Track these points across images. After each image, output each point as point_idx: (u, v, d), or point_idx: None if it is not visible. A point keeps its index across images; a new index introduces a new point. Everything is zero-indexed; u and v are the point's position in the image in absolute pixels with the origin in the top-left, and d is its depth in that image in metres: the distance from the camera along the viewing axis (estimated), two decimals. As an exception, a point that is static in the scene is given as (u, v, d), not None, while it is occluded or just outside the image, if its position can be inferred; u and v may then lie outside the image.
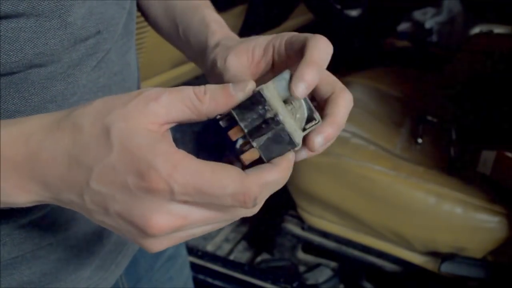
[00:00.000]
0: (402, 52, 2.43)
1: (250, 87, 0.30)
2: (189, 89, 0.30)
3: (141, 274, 0.64)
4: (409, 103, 1.66)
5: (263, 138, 0.30)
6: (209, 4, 0.52)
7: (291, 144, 0.30)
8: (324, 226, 1.36)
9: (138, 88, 0.57)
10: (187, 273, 0.75)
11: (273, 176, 0.29)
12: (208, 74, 0.44)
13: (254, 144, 0.30)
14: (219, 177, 0.27)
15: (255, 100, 0.30)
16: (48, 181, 0.30)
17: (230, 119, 0.31)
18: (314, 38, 0.34)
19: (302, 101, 0.33)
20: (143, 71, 1.40)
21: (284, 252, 1.49)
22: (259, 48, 0.39)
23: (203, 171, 0.27)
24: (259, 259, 1.55)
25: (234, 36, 0.45)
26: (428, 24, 2.46)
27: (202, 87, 0.30)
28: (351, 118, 0.37)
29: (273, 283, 1.35)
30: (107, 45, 0.44)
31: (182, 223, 0.28)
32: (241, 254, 1.63)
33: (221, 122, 0.31)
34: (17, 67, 0.36)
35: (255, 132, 0.30)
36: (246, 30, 1.92)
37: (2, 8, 0.33)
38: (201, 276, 1.34)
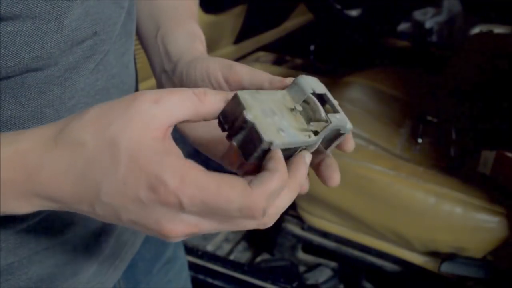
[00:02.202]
0: (402, 52, 2.43)
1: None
2: (188, 90, 0.30)
3: (139, 278, 0.64)
4: (409, 103, 1.66)
5: (240, 137, 0.31)
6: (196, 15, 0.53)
7: (260, 141, 0.29)
8: (324, 226, 1.36)
9: (137, 90, 0.56)
10: (186, 275, 0.74)
11: (275, 183, 0.28)
12: (166, 81, 0.46)
13: (234, 143, 0.31)
14: (225, 192, 0.27)
15: (235, 102, 0.30)
16: (54, 196, 0.29)
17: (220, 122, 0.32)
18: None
19: (317, 104, 0.34)
20: (142, 71, 1.40)
21: (284, 252, 1.49)
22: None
23: (209, 186, 0.27)
24: (259, 259, 1.55)
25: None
26: (428, 24, 2.46)
27: (201, 89, 0.30)
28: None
29: (273, 283, 1.35)
30: (104, 47, 0.43)
31: (194, 230, 0.29)
32: (241, 254, 1.63)
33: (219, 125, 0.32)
34: (13, 71, 0.36)
35: (235, 132, 0.31)
36: (246, 30, 1.92)
37: None
38: (201, 276, 1.34)
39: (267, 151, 0.30)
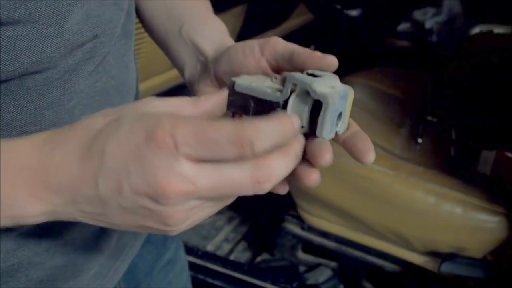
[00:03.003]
0: (402, 52, 2.43)
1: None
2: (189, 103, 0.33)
3: (140, 279, 0.64)
4: (409, 103, 1.66)
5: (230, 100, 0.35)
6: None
7: (232, 85, 0.35)
8: (324, 226, 1.36)
9: (137, 91, 0.56)
10: (186, 277, 0.74)
11: (267, 124, 0.28)
12: (202, 70, 0.46)
13: (229, 111, 0.36)
14: (216, 125, 0.28)
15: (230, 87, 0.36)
16: (62, 184, 0.30)
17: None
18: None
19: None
20: (142, 71, 1.40)
21: (284, 252, 1.49)
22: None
23: (201, 122, 0.28)
24: (259, 259, 1.55)
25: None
26: (428, 24, 2.46)
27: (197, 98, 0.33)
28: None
29: (273, 283, 1.35)
30: (104, 49, 0.42)
31: (191, 188, 0.28)
32: (241, 254, 1.63)
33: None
34: (13, 75, 0.36)
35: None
36: (246, 30, 1.92)
37: None
38: (201, 276, 1.34)
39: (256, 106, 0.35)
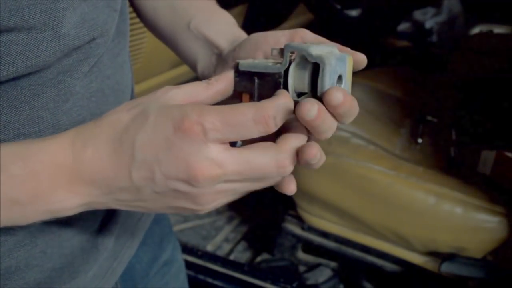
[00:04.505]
0: (402, 52, 2.43)
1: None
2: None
3: (137, 280, 0.63)
4: (409, 103, 1.66)
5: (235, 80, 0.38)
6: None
7: (236, 66, 0.37)
8: (324, 226, 1.36)
9: (132, 90, 0.56)
10: (183, 278, 0.74)
11: (281, 99, 0.32)
12: (217, 61, 0.48)
13: (237, 89, 0.38)
14: (239, 108, 0.31)
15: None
16: (97, 178, 0.32)
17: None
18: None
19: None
20: (142, 71, 1.40)
21: (284, 252, 1.49)
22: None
23: (224, 109, 0.31)
24: (259, 259, 1.55)
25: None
26: (428, 24, 2.46)
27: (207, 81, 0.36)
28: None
29: (273, 283, 1.35)
30: (99, 50, 0.42)
31: (220, 171, 0.31)
32: (241, 254, 1.63)
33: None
34: (8, 79, 0.36)
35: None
36: (246, 30, 1.92)
37: None
38: (201, 276, 1.34)
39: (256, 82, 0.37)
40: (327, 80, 0.33)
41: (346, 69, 0.35)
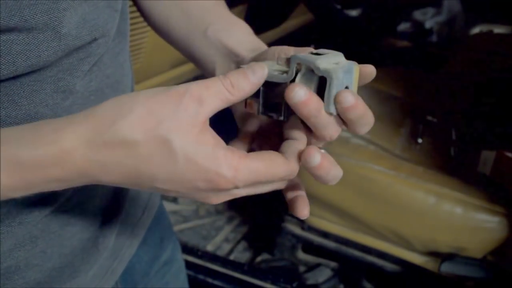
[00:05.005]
0: (402, 52, 2.43)
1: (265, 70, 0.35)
2: (218, 83, 0.33)
3: (137, 280, 0.63)
4: (409, 103, 1.66)
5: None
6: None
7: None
8: (324, 226, 1.36)
9: (132, 89, 0.55)
10: (183, 277, 0.74)
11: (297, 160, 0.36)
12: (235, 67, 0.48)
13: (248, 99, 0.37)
14: (272, 170, 0.33)
15: None
16: (108, 181, 0.32)
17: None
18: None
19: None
20: (142, 71, 1.40)
21: (284, 252, 1.49)
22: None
23: (258, 168, 0.32)
24: (259, 259, 1.55)
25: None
26: (428, 24, 2.46)
27: (227, 79, 0.33)
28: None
29: (273, 283, 1.35)
30: (100, 50, 0.42)
31: (232, 197, 0.35)
32: (241, 254, 1.63)
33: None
34: (8, 78, 0.36)
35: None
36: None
37: None
38: (201, 276, 1.34)
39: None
40: (334, 95, 0.33)
41: (352, 80, 0.35)
